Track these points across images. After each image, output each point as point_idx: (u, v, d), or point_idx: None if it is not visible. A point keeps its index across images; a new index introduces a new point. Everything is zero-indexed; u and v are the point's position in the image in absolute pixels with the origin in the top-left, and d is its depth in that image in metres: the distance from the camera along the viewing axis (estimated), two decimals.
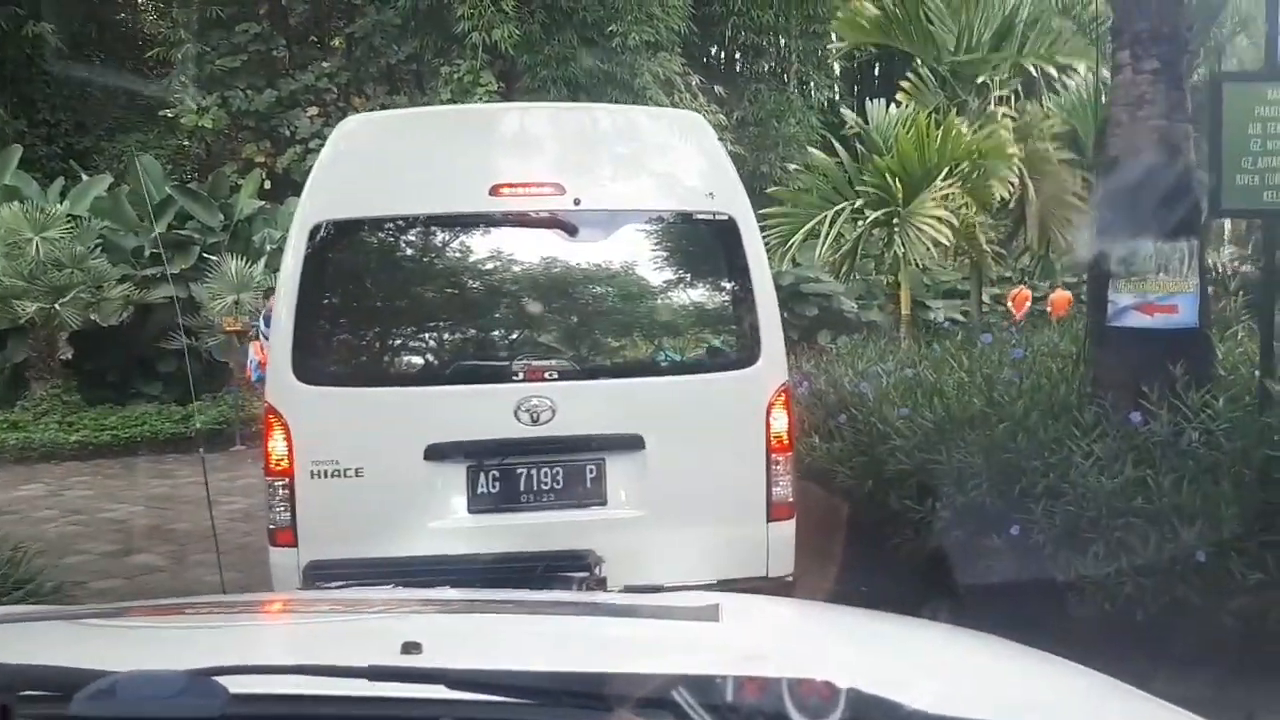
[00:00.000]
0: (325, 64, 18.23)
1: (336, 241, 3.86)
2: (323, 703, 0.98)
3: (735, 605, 1.64)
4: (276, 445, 3.72)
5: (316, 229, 3.78)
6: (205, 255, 12.71)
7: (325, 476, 3.68)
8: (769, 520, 3.86)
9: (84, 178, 14.83)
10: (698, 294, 4.26)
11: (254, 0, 18.26)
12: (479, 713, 0.77)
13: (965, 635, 1.57)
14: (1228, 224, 12.01)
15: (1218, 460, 3.95)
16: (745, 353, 3.94)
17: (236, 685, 0.93)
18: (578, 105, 5.64)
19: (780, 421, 3.89)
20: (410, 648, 1.13)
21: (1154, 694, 1.27)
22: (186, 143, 18.60)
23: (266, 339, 10.69)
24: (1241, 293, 8.84)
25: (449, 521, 3.73)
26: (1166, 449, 4.05)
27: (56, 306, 11.77)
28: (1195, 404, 4.09)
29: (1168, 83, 4.55)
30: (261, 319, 10.85)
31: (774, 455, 3.86)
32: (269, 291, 11.06)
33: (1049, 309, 11.92)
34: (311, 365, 3.76)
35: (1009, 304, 12.36)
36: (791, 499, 3.90)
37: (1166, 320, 4.32)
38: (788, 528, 3.90)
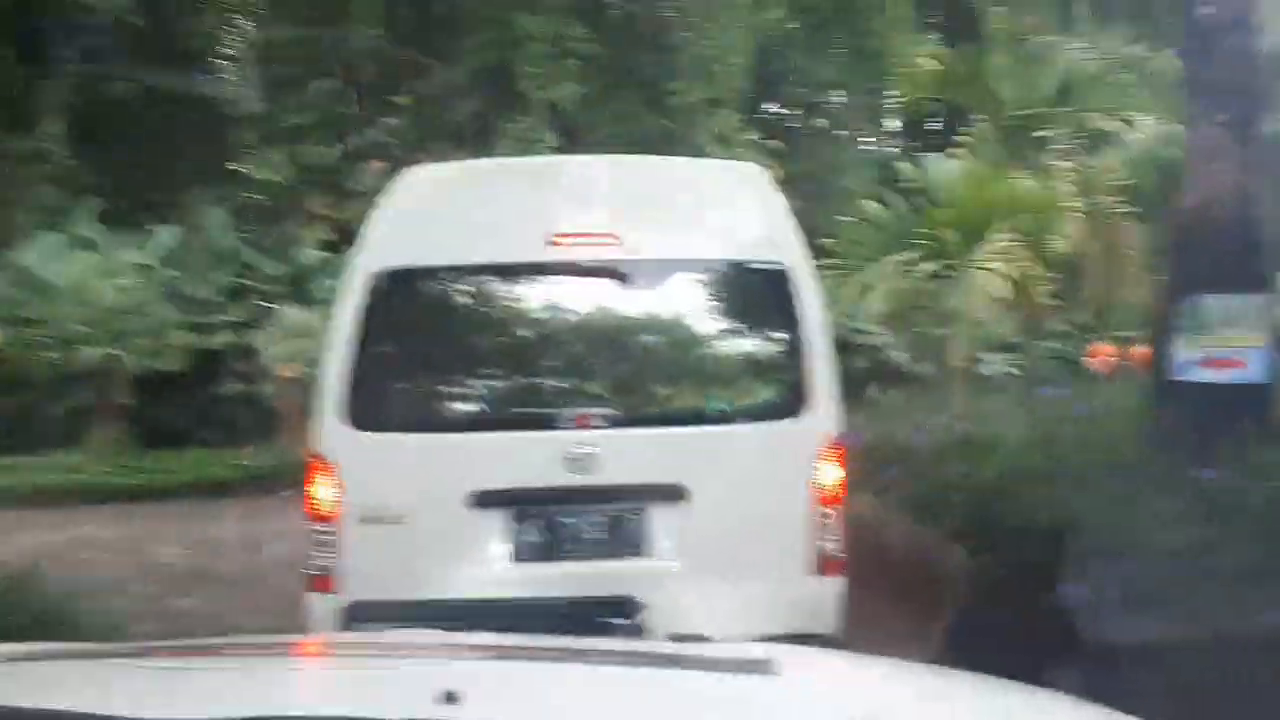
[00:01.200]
0: (392, 121, 18.69)
1: (392, 289, 3.85)
2: None
3: (791, 658, 1.55)
4: (319, 490, 3.72)
5: (372, 277, 3.80)
6: (266, 304, 12.98)
7: (369, 522, 3.65)
8: (816, 574, 3.75)
9: (156, 229, 15.29)
10: (749, 344, 4.22)
11: (327, 59, 18.83)
12: None
13: (1037, 694, 1.46)
14: None
15: None
16: (794, 403, 3.86)
17: None
18: (636, 156, 5.74)
19: (830, 473, 3.80)
20: (449, 697, 1.07)
21: None
22: (254, 196, 19.12)
23: None
24: None
25: (492, 570, 3.70)
26: (1234, 509, 3.86)
27: (120, 352, 12.06)
28: (1262, 462, 3.90)
29: (1241, 136, 4.48)
30: None
31: (823, 509, 3.76)
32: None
33: (1090, 361, 11.68)
34: (360, 410, 3.75)
35: (1090, 358, 12.14)
36: (842, 554, 3.79)
37: (1234, 375, 4.17)
38: (835, 584, 3.80)
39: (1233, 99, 4.48)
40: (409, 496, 3.70)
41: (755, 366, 4.16)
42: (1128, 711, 1.77)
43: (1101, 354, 11.74)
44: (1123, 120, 11.09)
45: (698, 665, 1.53)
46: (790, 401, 3.87)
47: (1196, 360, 4.26)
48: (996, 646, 4.02)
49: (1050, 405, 6.12)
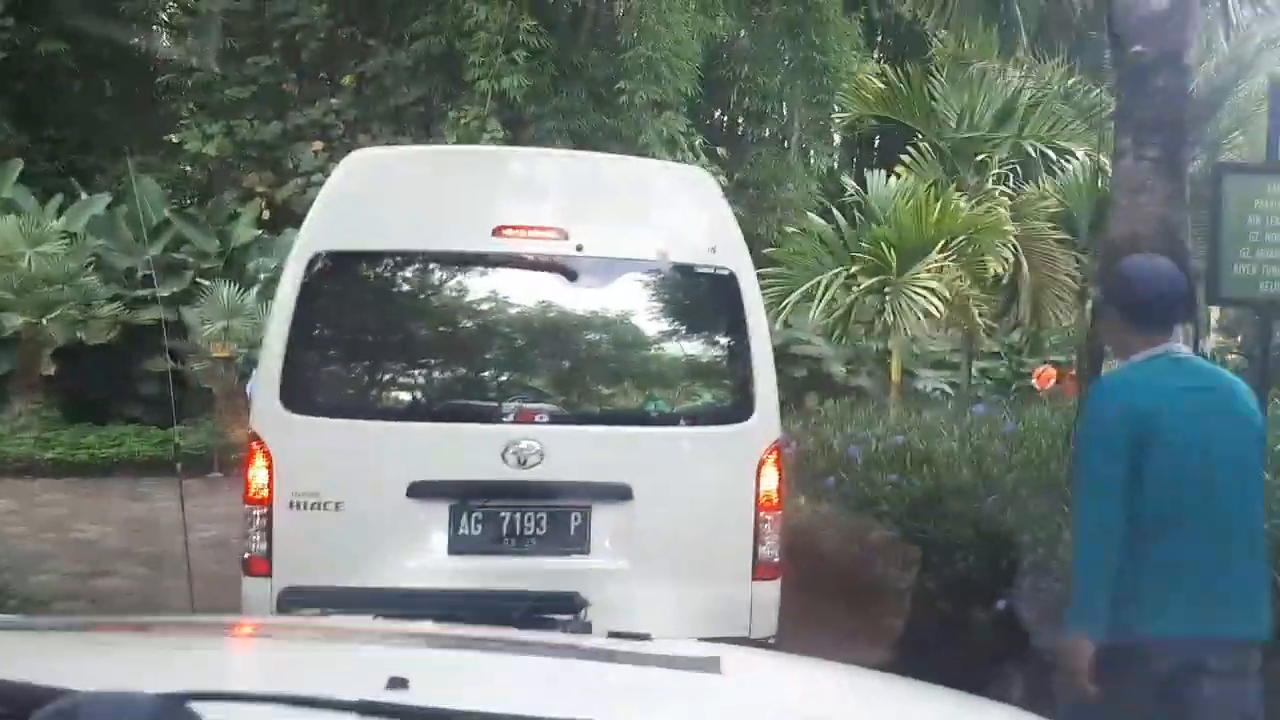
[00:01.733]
0: (334, 100, 18.37)
1: (334, 272, 3.81)
2: None
3: (736, 658, 1.58)
4: (257, 473, 3.64)
5: (315, 258, 3.74)
6: (199, 281, 12.67)
7: (305, 508, 3.60)
8: (754, 579, 3.77)
9: (83, 195, 14.84)
10: (694, 346, 4.23)
11: (269, 33, 18.43)
12: None
13: (970, 699, 1.52)
14: (1214, 313, 12.14)
15: None
16: (739, 408, 3.88)
17: (212, 714, 0.86)
18: (585, 153, 5.66)
19: (771, 480, 3.81)
20: (397, 683, 1.04)
21: None
22: (189, 169, 18.64)
23: None
24: None
25: (428, 561, 3.64)
26: None
27: (44, 321, 11.69)
28: None
29: (1168, 171, 4.61)
30: None
31: (763, 514, 3.78)
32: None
33: (1034, 382, 12.00)
34: (300, 394, 3.70)
35: (1034, 379, 12.47)
36: (778, 560, 3.82)
37: None
38: (773, 589, 3.81)
39: (1161, 135, 4.61)
40: (345, 483, 3.64)
41: (701, 370, 4.17)
42: (1052, 716, 1.85)
43: (1045, 376, 12.10)
44: (1057, 149, 11.41)
45: (645, 661, 1.53)
46: (736, 406, 3.89)
47: None
48: (918, 657, 4.14)
49: (982, 422, 6.29)
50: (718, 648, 1.55)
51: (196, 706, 0.86)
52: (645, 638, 1.77)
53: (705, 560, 3.75)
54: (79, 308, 12.02)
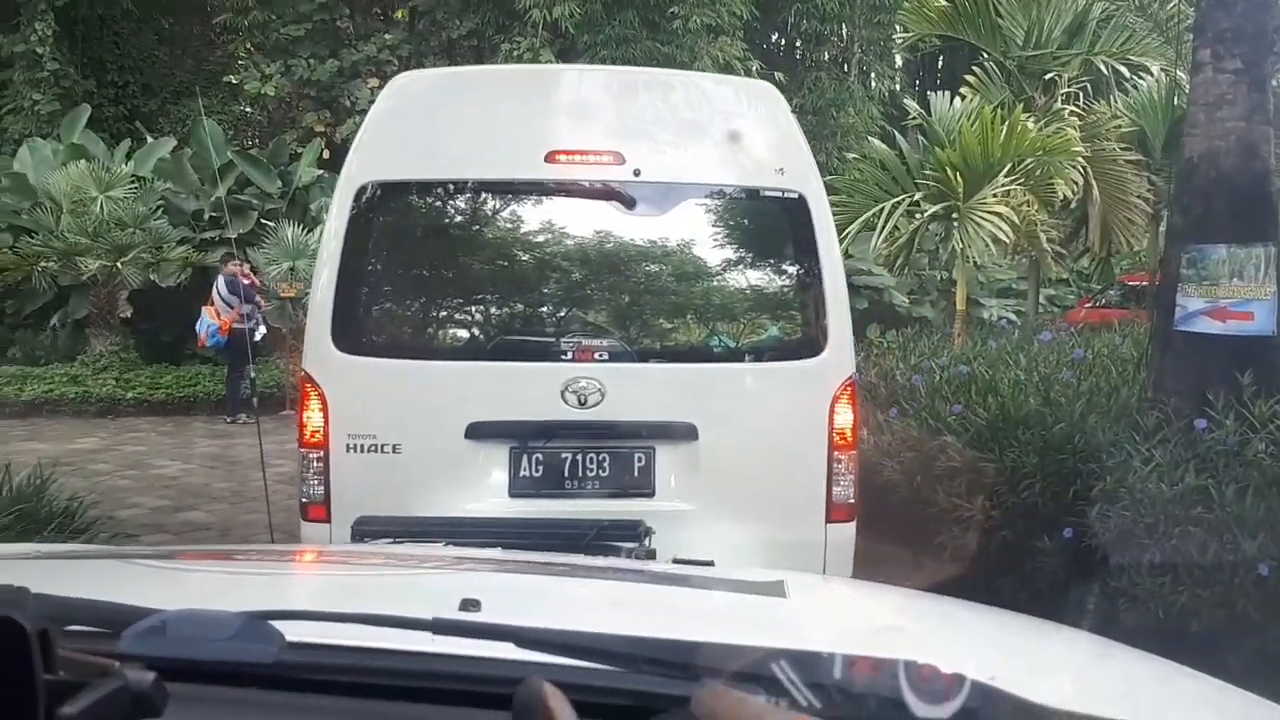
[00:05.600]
0: (388, 36, 18.35)
1: (382, 204, 3.67)
2: (382, 655, 0.93)
3: (799, 581, 1.59)
4: (312, 416, 3.55)
5: (362, 190, 3.60)
6: (263, 221, 12.86)
7: (362, 451, 3.53)
8: (828, 521, 3.62)
9: (149, 140, 15.09)
10: (762, 277, 4.03)
11: None
12: (551, 675, 0.73)
13: (1047, 625, 1.51)
14: None
15: None
16: (810, 342, 3.69)
17: (292, 632, 0.89)
18: (641, 70, 5.34)
19: (845, 417, 3.63)
20: (469, 605, 1.06)
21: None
22: (249, 110, 18.83)
23: (228, 305, 10.87)
24: None
25: (488, 504, 3.53)
26: (1231, 458, 3.93)
27: (118, 265, 12.01)
28: (1263, 414, 3.97)
29: (1250, 84, 4.42)
30: (222, 282, 11.00)
31: (836, 453, 3.61)
32: (227, 256, 11.18)
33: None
34: (351, 334, 3.59)
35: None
36: (853, 500, 3.65)
37: (1240, 327, 4.19)
38: (848, 530, 3.65)
39: (1242, 45, 4.41)
40: (402, 425, 3.55)
41: (771, 302, 3.97)
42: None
43: (1073, 316, 11.78)
44: (1130, 66, 10.96)
45: (710, 585, 1.55)
46: (808, 340, 3.71)
47: (1202, 310, 4.27)
48: (984, 588, 4.13)
49: (1049, 350, 6.16)
50: (781, 573, 1.56)
51: (277, 624, 0.89)
52: (709, 564, 1.79)
53: (776, 502, 3.61)
54: (150, 250, 12.30)
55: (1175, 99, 9.26)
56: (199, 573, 1.64)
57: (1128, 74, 10.99)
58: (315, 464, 3.55)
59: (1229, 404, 4.01)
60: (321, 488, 3.54)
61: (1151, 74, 10.86)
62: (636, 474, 3.61)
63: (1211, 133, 4.47)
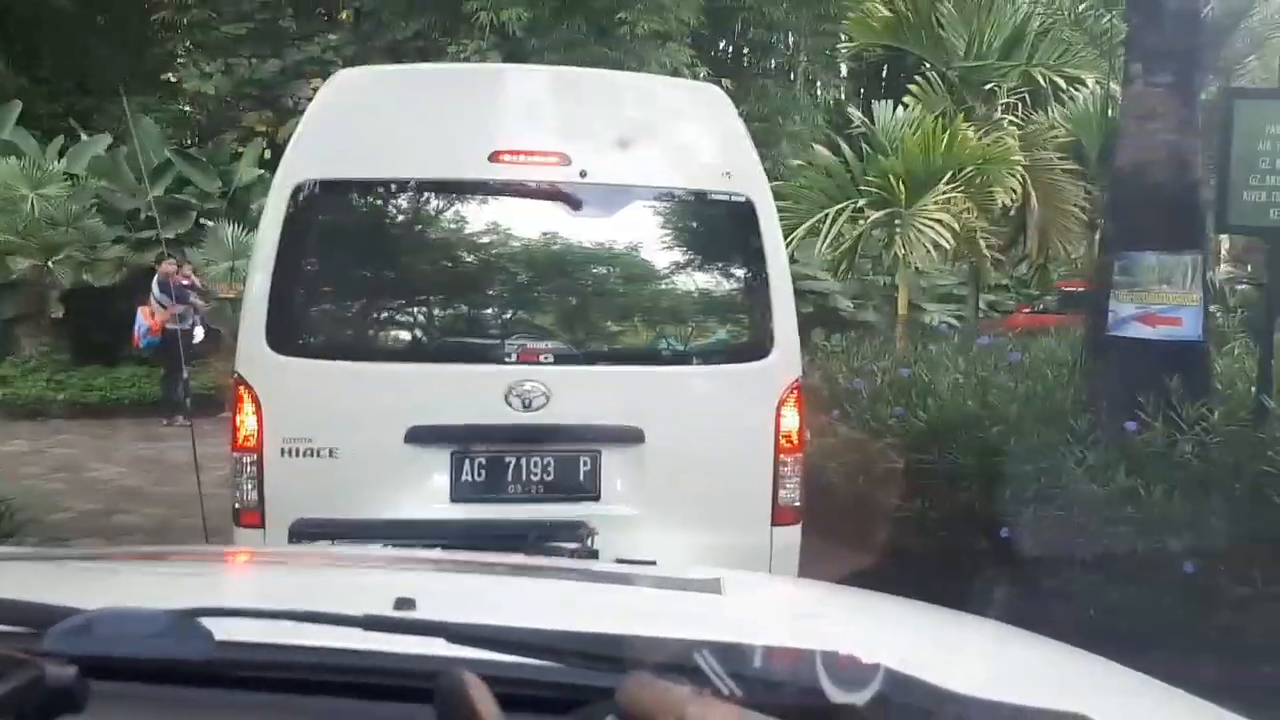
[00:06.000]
0: (332, 36, 18.12)
1: (320, 203, 3.57)
2: (314, 653, 0.93)
3: (736, 579, 1.61)
4: (245, 419, 3.43)
5: (299, 189, 3.50)
6: (202, 221, 12.64)
7: (297, 455, 3.42)
8: (774, 524, 3.60)
9: (84, 137, 14.74)
10: (709, 279, 3.98)
11: None
12: (479, 669, 0.73)
13: (967, 617, 1.55)
14: (1225, 242, 12.06)
15: (1210, 473, 3.95)
16: (757, 344, 3.67)
17: (222, 630, 0.88)
18: (588, 71, 5.29)
19: (791, 420, 3.62)
20: (404, 603, 1.06)
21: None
22: (188, 109, 18.46)
23: (161, 305, 10.75)
24: (1240, 309, 8.86)
25: (430, 510, 3.43)
26: (1160, 460, 4.05)
27: (49, 264, 11.71)
28: (1191, 416, 4.09)
29: (1179, 97, 4.56)
30: (155, 284, 10.87)
31: (783, 456, 3.59)
32: (162, 256, 11.04)
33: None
34: (286, 335, 3.49)
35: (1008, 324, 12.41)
36: (799, 503, 3.64)
37: (1169, 332, 4.32)
38: (793, 533, 3.63)
39: (1172, 61, 4.54)
40: (340, 429, 3.45)
41: (718, 304, 3.93)
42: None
43: (1013, 321, 12.05)
44: (1067, 78, 11.24)
45: (649, 584, 1.56)
46: (755, 343, 3.69)
47: (1134, 316, 4.39)
48: (919, 587, 4.19)
49: (988, 354, 6.29)
50: (720, 570, 1.58)
51: (206, 622, 0.88)
52: (650, 564, 1.80)
53: (722, 505, 3.56)
54: (84, 250, 12.02)
55: (1110, 111, 9.51)
56: (128, 573, 1.61)
57: (1064, 85, 11.29)
58: (249, 468, 3.44)
59: (1158, 407, 4.13)
60: (255, 493, 3.43)
61: (1087, 86, 11.16)
62: (582, 478, 3.56)
63: (1143, 144, 4.60)
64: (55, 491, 7.62)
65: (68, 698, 0.68)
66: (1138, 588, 3.84)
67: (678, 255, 3.90)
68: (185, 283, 10.98)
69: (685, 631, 1.07)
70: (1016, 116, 11.30)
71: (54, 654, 0.79)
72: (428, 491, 3.47)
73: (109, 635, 0.84)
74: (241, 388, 3.47)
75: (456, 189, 3.66)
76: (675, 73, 16.48)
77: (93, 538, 6.25)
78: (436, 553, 1.82)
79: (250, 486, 3.43)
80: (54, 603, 0.93)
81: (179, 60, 17.27)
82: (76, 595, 1.02)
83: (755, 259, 3.66)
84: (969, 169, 9.33)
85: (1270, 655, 3.66)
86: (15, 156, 12.96)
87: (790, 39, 19.93)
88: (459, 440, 3.49)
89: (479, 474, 3.52)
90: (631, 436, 3.52)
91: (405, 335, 3.85)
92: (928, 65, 11.20)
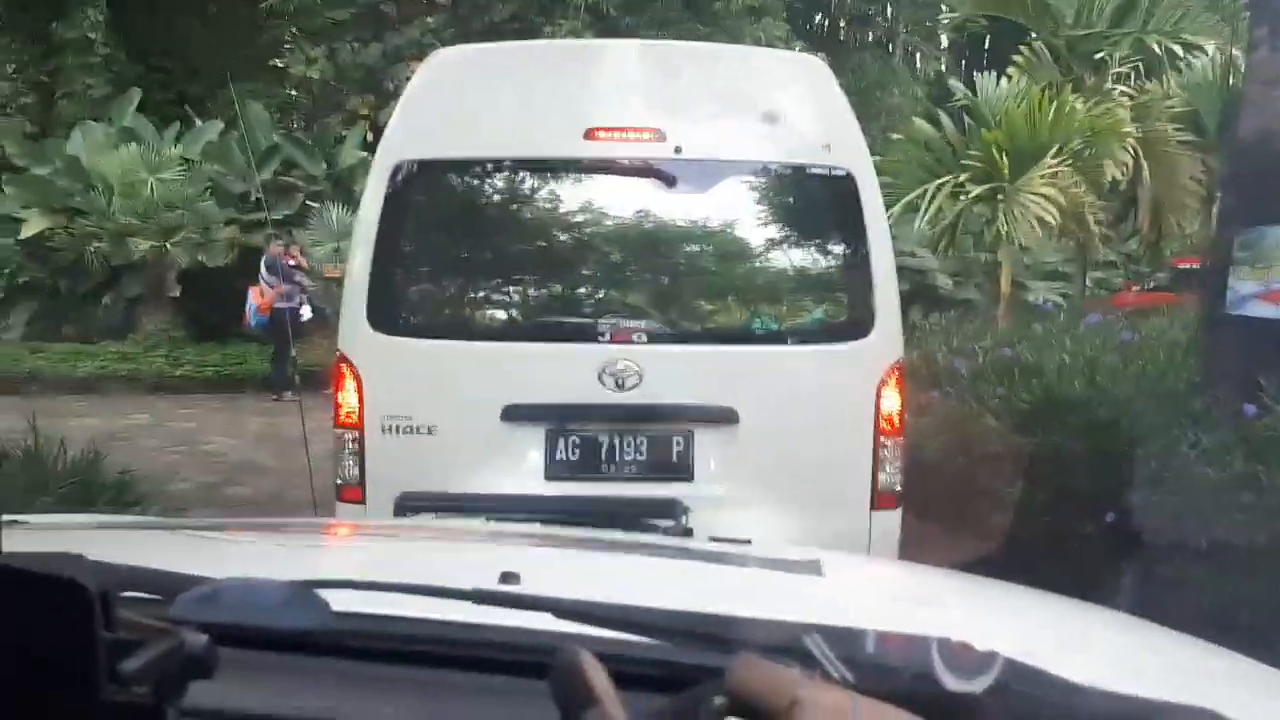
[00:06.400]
0: (430, 20, 18.40)
1: (418, 183, 3.60)
2: (426, 624, 0.95)
3: (836, 560, 1.61)
4: (347, 396, 3.48)
5: (398, 169, 3.54)
6: (309, 202, 13.03)
7: (396, 432, 3.45)
8: (873, 509, 3.51)
9: (197, 123, 15.32)
10: (808, 257, 3.88)
11: None
12: (588, 646, 0.75)
13: (1081, 605, 1.51)
14: None
15: None
16: (858, 324, 3.57)
17: (338, 601, 0.90)
18: (682, 44, 5.10)
19: (892, 401, 3.52)
20: (508, 577, 1.08)
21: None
22: (294, 93, 19.01)
23: (269, 285, 11.06)
24: None
25: (525, 486, 3.44)
26: (1275, 444, 3.86)
27: (168, 245, 12.24)
28: None
29: None
30: (263, 264, 11.18)
31: (883, 439, 3.50)
32: (270, 237, 11.32)
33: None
34: (387, 314, 3.53)
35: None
36: (899, 487, 3.54)
37: None
38: (893, 518, 3.55)
39: None
40: (438, 406, 3.48)
41: (816, 282, 3.83)
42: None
43: (1120, 299, 11.59)
44: (1184, 44, 10.73)
45: (747, 563, 1.56)
46: (855, 322, 3.58)
47: (1255, 294, 4.19)
48: (1024, 573, 4.09)
49: (1096, 334, 6.08)
50: (818, 551, 1.57)
51: (323, 593, 0.90)
52: (746, 543, 1.80)
53: (820, 488, 3.49)
54: (199, 231, 12.53)
55: (1231, 78, 9.06)
56: (246, 544, 1.69)
57: (1181, 53, 10.78)
58: (350, 445, 3.48)
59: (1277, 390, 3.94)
60: (357, 469, 3.48)
61: (1206, 53, 10.64)
62: (675, 458, 3.52)
63: (1268, 111, 4.38)
64: (174, 463, 7.99)
65: (201, 665, 0.72)
66: (1254, 579, 3.68)
67: (775, 232, 3.81)
68: (292, 263, 11.35)
69: (787, 612, 1.07)
70: (1129, 86, 10.84)
71: (183, 621, 0.83)
72: (523, 469, 3.49)
73: (236, 604, 0.87)
74: (344, 365, 3.53)
75: (551, 168, 3.66)
76: (771, 47, 16.31)
77: (210, 507, 6.54)
78: (537, 527, 1.85)
79: (353, 463, 3.48)
80: (179, 571, 0.97)
81: (285, 46, 17.79)
82: (199, 565, 1.07)
83: (856, 235, 3.57)
84: (1077, 142, 9.02)
85: None
86: (135, 143, 13.57)
87: (889, 10, 19.46)
88: (553, 419, 3.50)
89: (573, 453, 3.51)
90: (726, 417, 3.48)
91: (500, 314, 3.87)
92: (1034, 35, 10.84)
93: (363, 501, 3.47)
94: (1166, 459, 4.04)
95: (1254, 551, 3.71)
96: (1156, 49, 10.72)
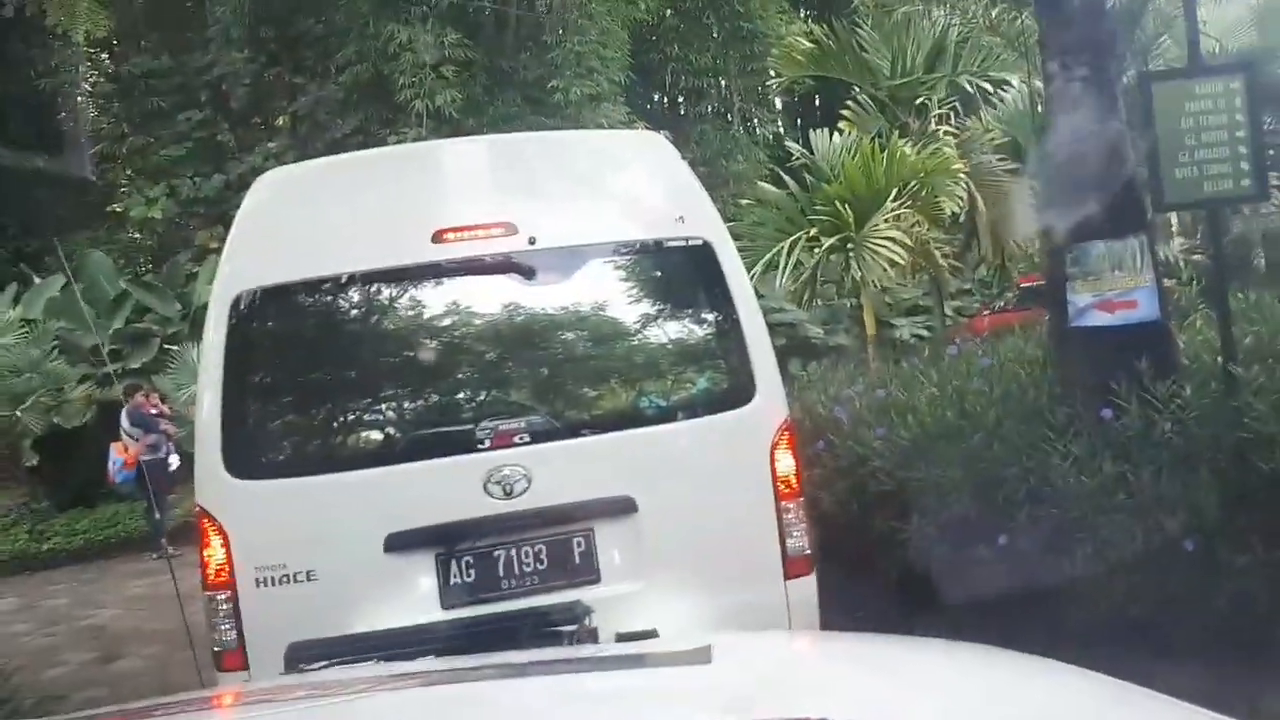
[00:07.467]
0: (271, 144, 18.26)
1: (262, 312, 3.39)
2: None
3: (729, 643, 1.60)
4: (213, 553, 3.21)
5: (238, 300, 3.33)
6: (166, 346, 12.58)
7: (272, 584, 3.21)
8: (787, 578, 3.43)
9: (36, 280, 14.69)
10: (679, 329, 3.79)
11: (195, 88, 18.29)
12: None
13: (971, 650, 1.53)
14: (1173, 218, 12.25)
15: (1192, 448, 3.97)
16: (740, 389, 3.50)
17: None
18: (524, 134, 5.04)
19: (786, 463, 3.46)
20: None
21: (1158, 690, 1.25)
22: (137, 235, 18.49)
23: (133, 438, 10.66)
24: (1195, 282, 8.98)
25: (423, 619, 3.20)
26: (1141, 442, 4.06)
27: (17, 413, 11.58)
28: (1163, 395, 4.12)
29: (1098, 88, 4.65)
30: (124, 417, 10.79)
31: (784, 503, 3.43)
32: (130, 388, 10.95)
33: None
34: (245, 457, 3.29)
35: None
36: (809, 551, 3.47)
37: (1127, 316, 4.36)
38: (808, 584, 3.47)
39: (1086, 53, 4.64)
40: (312, 549, 3.24)
41: (692, 353, 3.75)
42: (1059, 640, 1.87)
43: (979, 325, 12.16)
44: (992, 81, 11.49)
45: (639, 664, 1.54)
46: (737, 388, 3.51)
47: (1092, 305, 4.43)
48: (931, 606, 4.16)
49: (959, 362, 6.31)
50: (711, 635, 1.56)
51: None
52: (652, 634, 1.77)
53: (729, 565, 3.38)
54: (50, 393, 11.92)
55: (1039, 107, 9.70)
56: None
57: (991, 89, 11.52)
58: (223, 607, 3.22)
59: (1130, 390, 4.15)
60: (234, 632, 3.21)
61: (1013, 85, 11.40)
62: (578, 560, 3.36)
63: (1072, 136, 4.69)
64: (49, 646, 7.47)
65: None
66: (1143, 574, 3.83)
67: (644, 309, 3.75)
68: (154, 411, 10.90)
69: (670, 714, 1.06)
70: (951, 126, 11.51)
71: None
72: (417, 601, 3.26)
73: None
74: (205, 520, 3.26)
75: (402, 276, 3.48)
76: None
77: (93, 689, 6.11)
78: (429, 662, 1.79)
79: (228, 626, 3.22)
80: None
81: (122, 189, 17.34)
82: None
83: (723, 300, 3.55)
84: (912, 183, 9.48)
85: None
86: None
87: (721, 82, 20.27)
88: (441, 542, 3.30)
89: (468, 574, 3.31)
90: (624, 507, 3.35)
91: (369, 438, 3.61)
92: (857, 89, 11.42)
93: (245, 668, 3.20)
94: (1043, 473, 4.19)
95: (1136, 547, 3.87)
96: (969, 88, 11.45)
